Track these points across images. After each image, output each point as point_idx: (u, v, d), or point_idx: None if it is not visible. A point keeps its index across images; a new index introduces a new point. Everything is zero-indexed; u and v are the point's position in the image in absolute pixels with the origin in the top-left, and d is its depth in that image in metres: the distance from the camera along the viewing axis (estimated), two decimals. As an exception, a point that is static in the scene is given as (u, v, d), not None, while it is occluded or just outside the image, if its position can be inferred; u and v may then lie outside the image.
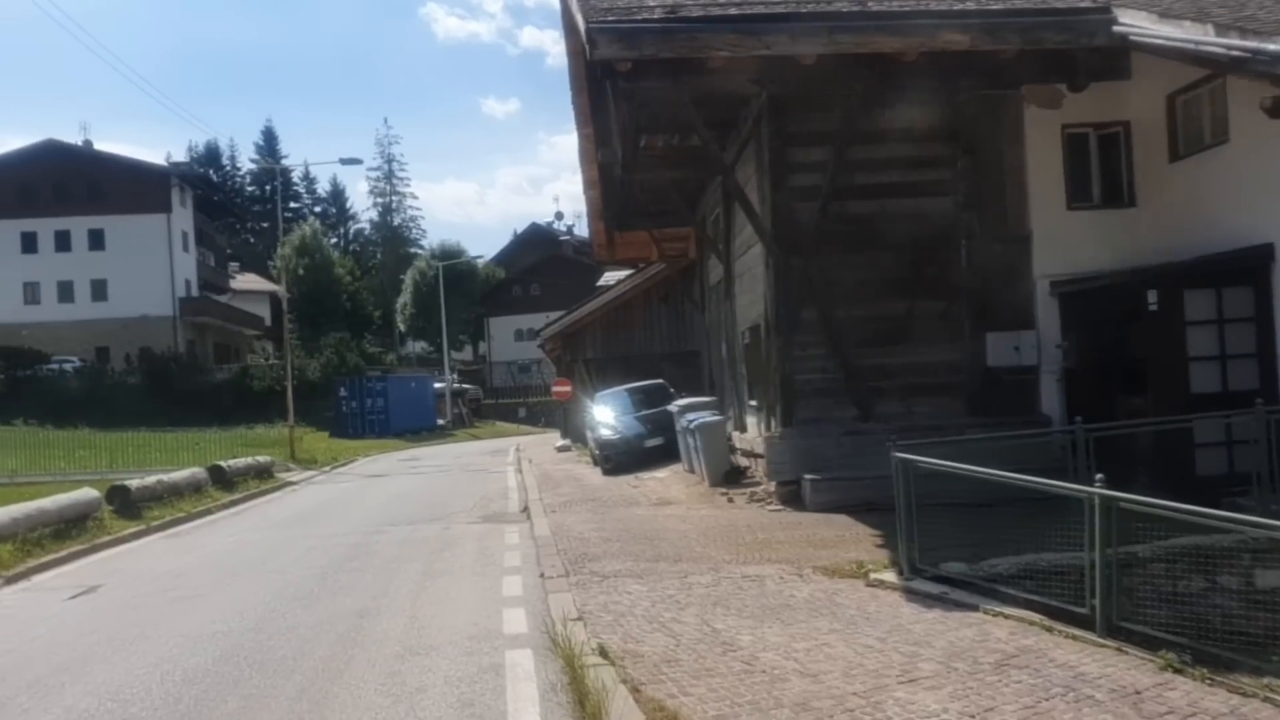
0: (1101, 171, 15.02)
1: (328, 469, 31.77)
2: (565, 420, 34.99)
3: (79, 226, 61.54)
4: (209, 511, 19.72)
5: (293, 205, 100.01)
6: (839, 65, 12.96)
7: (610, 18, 12.35)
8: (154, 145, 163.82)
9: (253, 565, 12.83)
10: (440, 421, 56.23)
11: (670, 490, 17.65)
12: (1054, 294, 14.83)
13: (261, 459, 27.11)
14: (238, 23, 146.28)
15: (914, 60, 12.82)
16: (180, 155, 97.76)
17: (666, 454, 21.28)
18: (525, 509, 16.84)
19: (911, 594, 8.71)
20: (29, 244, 61.43)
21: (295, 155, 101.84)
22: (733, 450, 18.23)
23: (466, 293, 75.11)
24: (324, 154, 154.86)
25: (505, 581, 10.58)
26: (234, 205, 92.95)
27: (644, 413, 23.59)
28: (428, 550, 13.22)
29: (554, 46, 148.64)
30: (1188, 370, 12.72)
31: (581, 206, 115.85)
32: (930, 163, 15.01)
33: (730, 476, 17.08)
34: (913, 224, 14.89)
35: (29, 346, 55.91)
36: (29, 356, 55.08)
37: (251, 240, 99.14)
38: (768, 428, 15.45)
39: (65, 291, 61.54)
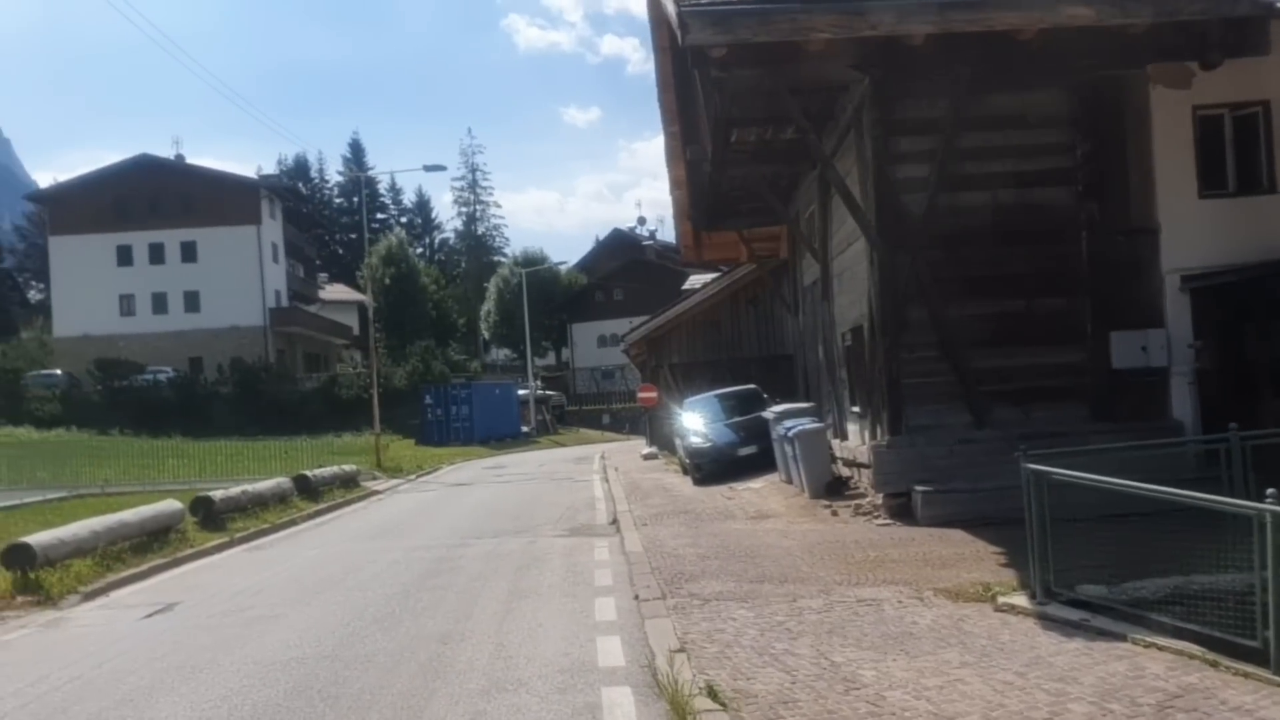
0: (1237, 156, 13.94)
1: (413, 477, 31.60)
2: (650, 427, 34.30)
3: (172, 239, 62.92)
4: (293, 522, 19.45)
5: (379, 216, 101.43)
6: (949, 46, 12.08)
7: (703, 0, 11.63)
8: (244, 159, 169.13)
9: (333, 581, 12.35)
10: (524, 428, 56.19)
11: (768, 502, 16.81)
12: (1185, 289, 13.78)
13: (347, 468, 26.98)
14: (327, 39, 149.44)
15: (1030, 38, 11.99)
16: (270, 168, 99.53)
17: (760, 463, 20.44)
18: (614, 521, 16.20)
19: (1047, 621, 7.87)
20: (124, 257, 62.91)
21: (381, 167, 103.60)
22: (833, 460, 17.34)
23: (549, 299, 75.29)
24: (409, 165, 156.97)
25: (597, 604, 9.87)
26: (322, 217, 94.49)
27: (736, 419, 22.70)
28: (513, 566, 12.63)
29: (634, 54, 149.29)
30: (1345, 371, 11.63)
31: (664, 211, 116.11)
32: (1047, 150, 14.05)
33: (832, 488, 16.18)
34: (1029, 216, 13.92)
35: (125, 358, 57.18)
36: (125, 367, 56.31)
37: (340, 251, 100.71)
38: (873, 435, 14.56)
39: (159, 303, 62.94)
